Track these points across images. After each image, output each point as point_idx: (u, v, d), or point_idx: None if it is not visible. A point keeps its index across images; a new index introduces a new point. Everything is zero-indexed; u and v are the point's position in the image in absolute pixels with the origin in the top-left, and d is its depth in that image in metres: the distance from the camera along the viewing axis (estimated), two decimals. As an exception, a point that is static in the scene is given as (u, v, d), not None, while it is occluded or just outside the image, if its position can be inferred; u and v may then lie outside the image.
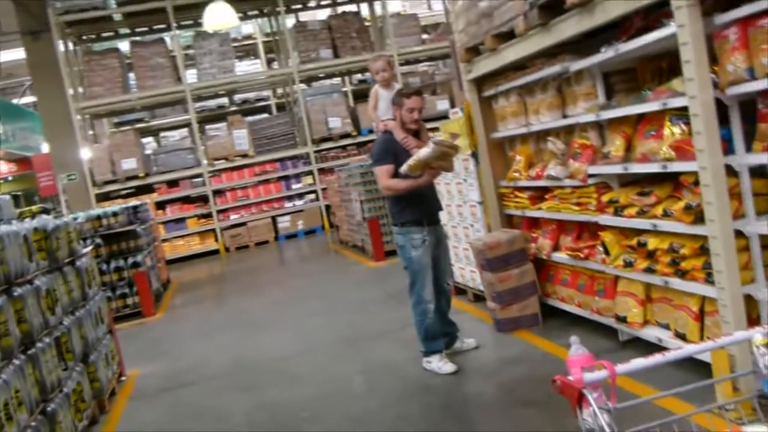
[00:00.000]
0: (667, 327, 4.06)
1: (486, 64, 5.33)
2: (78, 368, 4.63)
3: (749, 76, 3.08)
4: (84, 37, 15.54)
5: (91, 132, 15.10)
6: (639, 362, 1.70)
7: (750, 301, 3.44)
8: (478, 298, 6.09)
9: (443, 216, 6.31)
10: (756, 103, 3.23)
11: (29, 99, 18.37)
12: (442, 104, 14.02)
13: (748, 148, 3.27)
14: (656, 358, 1.70)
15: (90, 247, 6.14)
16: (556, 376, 1.65)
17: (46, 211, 5.02)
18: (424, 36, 16.60)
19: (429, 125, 10.25)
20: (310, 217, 14.49)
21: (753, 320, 3.49)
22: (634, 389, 3.74)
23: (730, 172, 3.34)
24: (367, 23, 15.92)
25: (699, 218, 3.50)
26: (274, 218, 14.43)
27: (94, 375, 4.95)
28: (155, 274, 9.68)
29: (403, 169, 4.45)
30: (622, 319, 4.34)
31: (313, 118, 14.52)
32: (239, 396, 5.02)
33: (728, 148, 3.32)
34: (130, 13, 14.08)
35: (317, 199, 14.57)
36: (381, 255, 9.38)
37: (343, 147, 14.72)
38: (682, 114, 3.52)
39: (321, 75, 17.30)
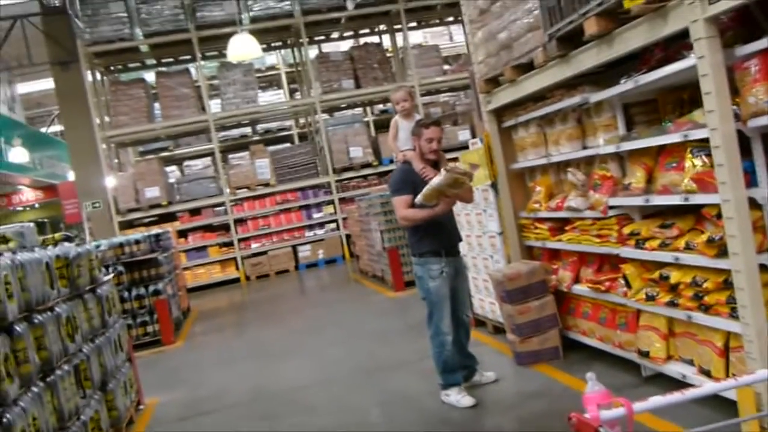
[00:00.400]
0: (691, 363, 3.97)
1: (505, 95, 5.34)
2: (96, 396, 4.63)
3: (771, 108, 3.05)
4: (111, 68, 15.91)
5: (116, 160, 15.36)
6: (657, 400, 1.66)
7: (776, 337, 3.36)
8: (498, 330, 6.02)
9: (463, 247, 6.29)
10: (779, 136, 3.19)
11: (57, 128, 18.77)
12: (463, 134, 14.06)
13: (772, 181, 3.22)
14: (675, 396, 1.66)
15: (111, 275, 6.19)
16: (572, 413, 1.61)
17: (68, 239, 5.08)
18: (446, 67, 16.74)
19: (450, 155, 10.30)
20: (330, 246, 14.51)
21: (780, 356, 3.41)
22: (657, 426, 3.66)
23: (754, 205, 3.29)
24: (388, 54, 16.11)
25: (722, 251, 3.44)
26: (294, 247, 14.48)
27: (112, 403, 4.95)
28: (176, 302, 9.72)
29: (418, 199, 4.45)
30: (645, 354, 4.25)
31: (334, 147, 14.63)
32: (257, 425, 4.99)
33: (751, 181, 3.28)
34: (156, 44, 14.40)
35: (338, 228, 14.61)
36: (401, 285, 9.35)
37: (364, 177, 14.80)
38: (703, 146, 3.48)
39: (343, 105, 17.48)
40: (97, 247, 8.31)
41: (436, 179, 4.32)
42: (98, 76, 14.93)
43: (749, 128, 3.21)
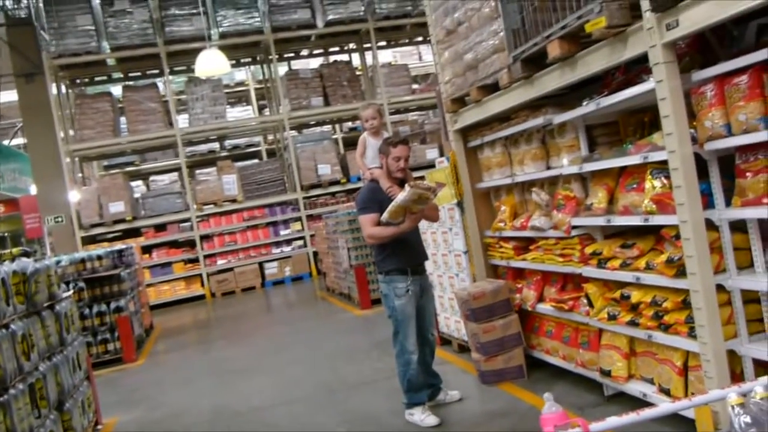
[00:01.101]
0: (651, 381, 4.02)
1: (471, 115, 5.40)
2: (52, 416, 4.50)
3: (726, 131, 3.13)
4: (77, 81, 15.70)
5: (80, 175, 15.10)
6: (614, 421, 1.68)
7: (733, 357, 3.42)
8: (463, 348, 6.02)
9: (429, 265, 6.30)
10: (734, 158, 3.27)
11: (20, 140, 18.41)
12: (432, 153, 14.14)
13: (728, 203, 3.30)
14: (631, 417, 1.68)
15: (71, 291, 6.06)
16: (530, 434, 1.62)
17: (26, 254, 4.94)
18: (414, 86, 16.86)
19: (418, 173, 10.33)
20: (297, 263, 14.42)
21: (737, 376, 3.47)
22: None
23: (711, 226, 3.36)
24: (358, 72, 16.18)
25: (681, 272, 3.50)
26: (261, 264, 14.36)
27: (68, 423, 4.81)
28: (138, 320, 9.55)
29: (384, 217, 4.45)
30: (607, 373, 4.29)
31: (302, 164, 14.60)
32: (217, 447, 4.91)
33: (708, 202, 3.35)
34: (123, 58, 14.25)
35: (305, 245, 14.54)
36: (367, 303, 9.32)
37: (333, 194, 14.78)
38: (662, 168, 3.55)
39: (312, 122, 17.48)
40: (58, 262, 8.15)
41: (401, 196, 4.33)
42: (63, 88, 14.71)
43: (706, 151, 3.28)
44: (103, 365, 8.32)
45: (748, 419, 1.60)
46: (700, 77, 3.24)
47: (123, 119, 14.99)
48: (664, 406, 1.71)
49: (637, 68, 3.82)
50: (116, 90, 16.30)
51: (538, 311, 5.14)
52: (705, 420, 3.20)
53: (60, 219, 13.15)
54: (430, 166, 11.04)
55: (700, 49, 3.55)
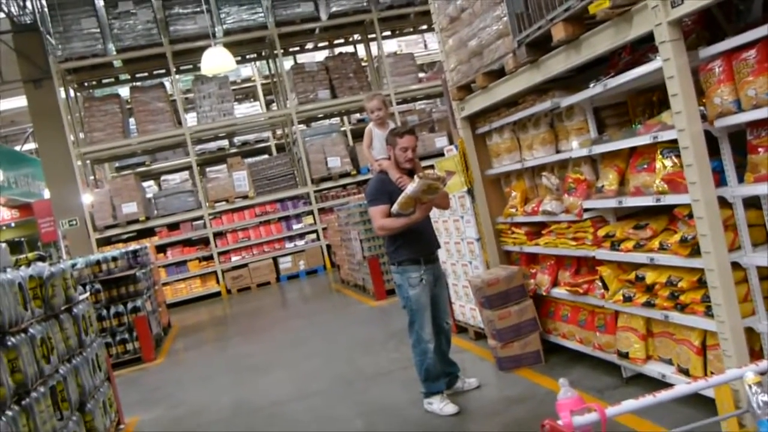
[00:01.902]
0: (670, 362, 4.00)
1: (478, 102, 5.37)
2: (74, 417, 4.55)
3: (736, 107, 3.09)
4: (85, 84, 15.78)
5: (92, 177, 15.20)
6: (630, 404, 1.67)
7: (752, 334, 3.39)
8: (479, 336, 6.03)
9: (442, 253, 6.29)
10: (745, 134, 3.23)
11: (31, 146, 18.55)
12: (440, 141, 14.10)
13: (740, 180, 3.26)
14: (648, 399, 1.67)
15: (87, 294, 6.11)
16: (546, 420, 1.61)
17: (42, 258, 4.99)
18: (421, 74, 16.80)
19: (427, 162, 10.31)
20: (311, 257, 14.47)
21: (756, 353, 3.44)
22: (639, 427, 3.68)
23: (724, 203, 3.33)
24: (363, 63, 16.14)
25: (695, 251, 3.48)
26: (275, 259, 14.42)
27: (90, 424, 4.87)
28: (156, 319, 9.62)
29: (394, 208, 4.45)
30: (624, 355, 4.27)
31: (312, 158, 14.60)
32: (238, 442, 4.94)
33: (720, 180, 3.32)
34: (129, 59, 14.29)
35: (318, 238, 14.57)
36: (382, 294, 9.33)
37: (343, 186, 14.78)
38: (673, 147, 3.52)
39: (319, 115, 17.47)
40: (74, 265, 8.22)
41: (410, 187, 4.33)
42: (72, 92, 14.78)
43: (716, 128, 3.25)
44: (123, 365, 8.40)
45: (766, 398, 1.59)
46: (707, 54, 3.20)
47: (132, 120, 15.07)
48: (680, 387, 1.70)
49: (644, 47, 3.78)
50: (124, 91, 16.38)
51: (553, 296, 5.12)
52: (725, 399, 3.18)
53: (74, 222, 13.26)
54: (440, 154, 11.01)
55: (707, 26, 3.50)
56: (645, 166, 3.85)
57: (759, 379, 1.61)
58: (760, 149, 3.13)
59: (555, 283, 5.14)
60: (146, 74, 15.92)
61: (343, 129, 18.34)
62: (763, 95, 2.95)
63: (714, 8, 3.36)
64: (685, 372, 3.80)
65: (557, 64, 4.11)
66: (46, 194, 14.89)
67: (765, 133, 3.10)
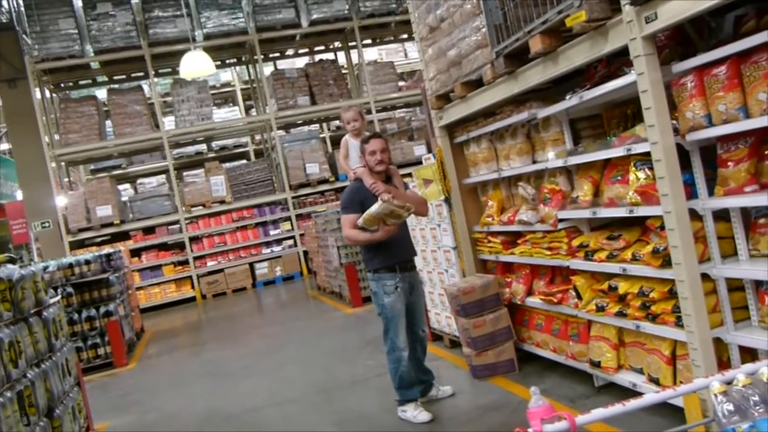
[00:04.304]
0: (641, 371, 4.05)
1: (456, 111, 5.41)
2: (42, 423, 4.48)
3: (707, 122, 3.15)
4: (61, 85, 15.60)
5: (66, 179, 15.01)
6: (600, 413, 1.69)
7: (720, 344, 3.45)
8: (455, 344, 6.05)
9: (418, 261, 6.31)
10: (716, 148, 3.29)
11: (5, 146, 18.28)
12: (419, 150, 14.15)
13: (711, 193, 3.32)
14: (617, 408, 1.69)
15: (59, 297, 6.02)
16: (516, 429, 1.63)
17: (12, 261, 4.91)
18: (401, 83, 16.86)
19: (407, 170, 10.31)
20: (288, 263, 14.41)
21: (724, 363, 3.50)
22: (608, 436, 3.71)
23: (695, 216, 3.39)
24: (344, 71, 16.16)
25: (666, 262, 3.53)
26: (251, 264, 14.34)
27: (59, 430, 4.78)
28: (128, 323, 9.51)
29: (359, 221, 4.46)
30: (596, 364, 4.32)
31: (291, 164, 14.57)
32: (210, 449, 4.90)
33: (691, 193, 3.38)
34: (107, 61, 14.17)
35: (295, 245, 14.52)
36: (358, 301, 9.32)
37: (321, 193, 14.77)
38: (646, 159, 3.58)
39: (299, 122, 17.45)
40: (45, 268, 8.10)
41: (374, 207, 4.33)
42: (47, 93, 14.61)
43: (688, 142, 3.31)
44: (93, 370, 8.29)
45: (731, 407, 1.62)
46: (680, 69, 3.26)
47: (109, 123, 14.92)
48: (649, 396, 1.72)
49: (619, 61, 3.85)
50: (101, 93, 16.21)
51: (528, 305, 5.16)
52: (693, 408, 3.23)
53: (47, 224, 13.07)
54: (418, 162, 11.03)
55: (680, 41, 3.58)
56: (619, 178, 3.90)
57: (724, 389, 1.64)
58: (729, 163, 3.19)
59: (530, 292, 5.18)
60: (124, 77, 15.79)
61: (322, 136, 18.34)
62: (732, 110, 3.02)
63: (687, 24, 3.44)
64: (656, 381, 3.85)
65: (534, 75, 4.16)
66: (19, 195, 14.67)
67: (734, 147, 3.17)
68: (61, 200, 13.36)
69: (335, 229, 9.77)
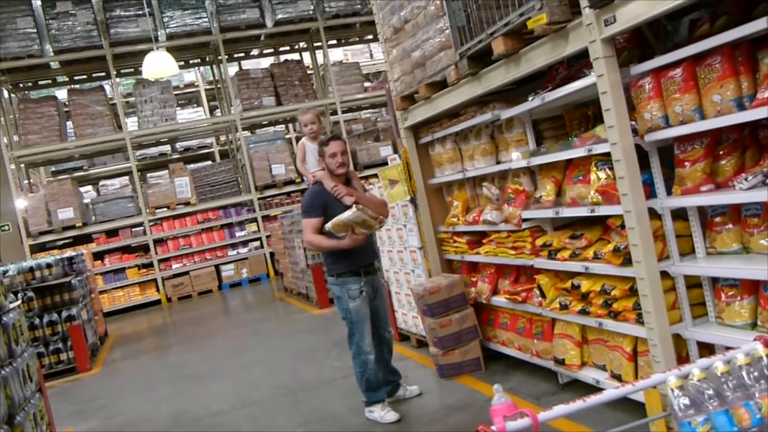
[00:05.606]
0: (603, 368, 4.13)
1: (421, 112, 5.44)
2: (2, 430, 4.39)
3: (665, 123, 3.23)
4: (20, 85, 15.25)
5: (26, 181, 14.68)
6: (561, 409, 1.72)
7: (679, 340, 3.54)
8: (422, 343, 6.08)
9: (385, 261, 6.33)
10: (673, 149, 3.37)
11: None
12: (385, 150, 14.19)
13: (669, 192, 3.40)
14: (578, 404, 1.73)
15: (19, 302, 5.90)
16: (480, 426, 1.65)
17: (-30, 266, 4.82)
18: (366, 84, 16.86)
19: (371, 171, 10.30)
20: (254, 264, 14.31)
21: (683, 359, 3.58)
22: (570, 429, 3.78)
23: (654, 215, 3.46)
24: (309, 71, 16.10)
25: (627, 260, 3.61)
26: (217, 267, 14.20)
27: (20, 437, 4.69)
28: (92, 328, 9.35)
29: (328, 226, 4.42)
30: (561, 362, 4.39)
31: (256, 165, 14.47)
32: (176, 454, 4.85)
33: (651, 192, 3.45)
34: (68, 61, 13.89)
35: (262, 246, 14.42)
36: (325, 302, 9.30)
37: (288, 194, 14.69)
38: (606, 159, 3.65)
39: (264, 122, 17.34)
40: (4, 272, 7.93)
41: (346, 214, 4.31)
42: (6, 93, 14.28)
43: (646, 142, 3.38)
44: (56, 376, 8.13)
45: (686, 401, 1.67)
46: (638, 71, 3.33)
47: (69, 123, 14.63)
48: (609, 392, 1.76)
49: (579, 63, 3.92)
50: (61, 94, 15.87)
51: (493, 304, 5.22)
52: (654, 403, 3.30)
53: (6, 227, 12.79)
54: (384, 163, 11.07)
55: (638, 44, 3.65)
56: (580, 178, 3.97)
57: (681, 383, 1.68)
58: (686, 163, 3.27)
59: (495, 292, 5.23)
60: (85, 77, 15.48)
61: (288, 136, 18.23)
62: (688, 111, 3.10)
63: (644, 27, 3.51)
64: (618, 377, 3.93)
65: (497, 77, 4.21)
66: (-24, 199, 14.33)
67: (691, 147, 3.25)
68: (20, 203, 13.08)
69: (301, 230, 9.73)
